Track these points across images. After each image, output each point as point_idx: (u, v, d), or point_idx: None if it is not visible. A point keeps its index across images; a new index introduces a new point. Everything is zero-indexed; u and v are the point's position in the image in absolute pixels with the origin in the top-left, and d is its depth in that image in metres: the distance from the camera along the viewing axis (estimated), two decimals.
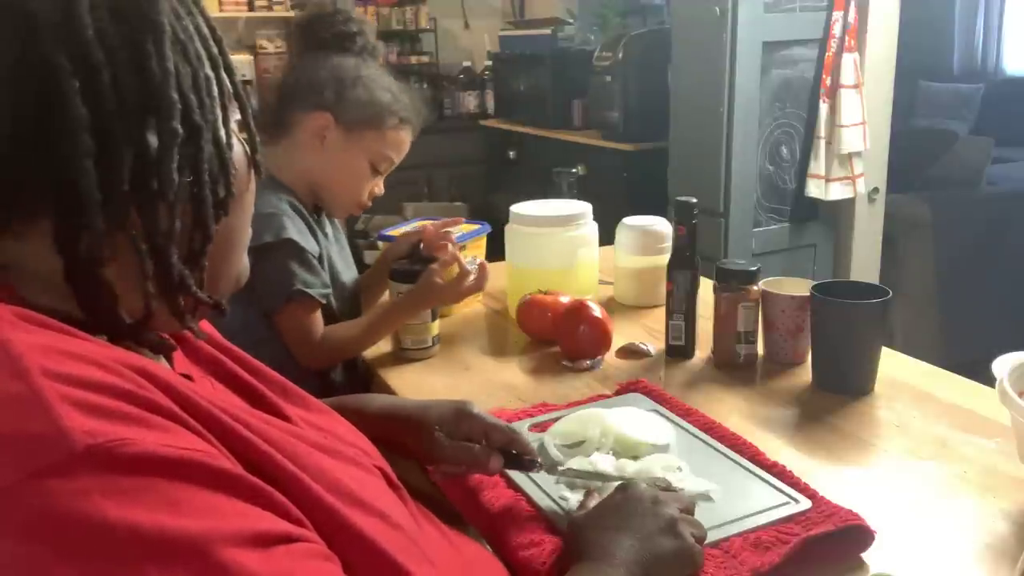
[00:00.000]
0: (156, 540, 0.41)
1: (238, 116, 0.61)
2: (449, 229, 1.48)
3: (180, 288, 0.55)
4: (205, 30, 0.57)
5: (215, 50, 0.57)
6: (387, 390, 1.24)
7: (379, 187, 1.45)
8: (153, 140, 0.52)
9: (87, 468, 0.41)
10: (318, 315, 1.32)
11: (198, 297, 0.57)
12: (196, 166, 0.54)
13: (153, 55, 0.51)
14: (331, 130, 1.35)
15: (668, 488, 0.82)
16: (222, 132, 0.56)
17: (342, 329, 1.34)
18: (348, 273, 1.51)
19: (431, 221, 1.55)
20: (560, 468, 0.88)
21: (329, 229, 1.51)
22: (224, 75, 0.57)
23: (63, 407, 0.42)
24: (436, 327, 1.35)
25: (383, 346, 1.36)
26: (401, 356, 1.34)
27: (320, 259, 1.36)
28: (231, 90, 0.58)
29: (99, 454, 0.42)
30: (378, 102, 1.37)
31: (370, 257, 3.99)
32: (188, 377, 0.60)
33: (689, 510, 0.78)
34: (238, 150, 0.59)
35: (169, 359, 0.63)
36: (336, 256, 1.48)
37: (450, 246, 1.41)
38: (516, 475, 0.91)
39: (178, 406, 0.48)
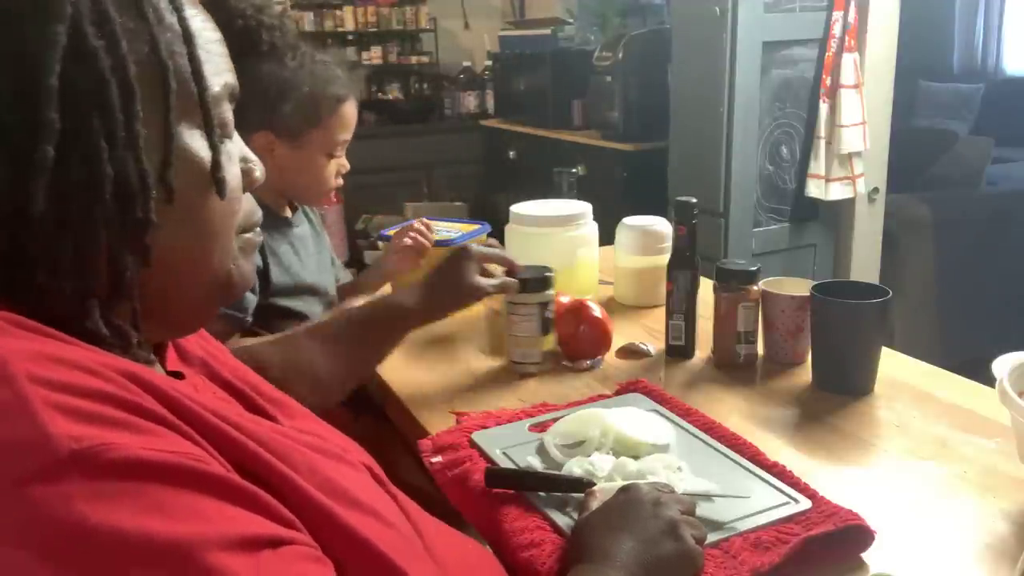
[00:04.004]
0: (140, 544, 0.41)
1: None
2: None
3: (116, 329, 0.53)
4: (167, 36, 0.54)
5: (174, 58, 0.54)
6: (387, 391, 1.23)
7: (344, 165, 1.46)
8: (32, 161, 0.48)
9: (71, 473, 0.41)
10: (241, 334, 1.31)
11: (132, 338, 0.54)
12: (89, 189, 0.50)
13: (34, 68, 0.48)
14: (277, 144, 1.36)
15: (670, 490, 0.82)
16: (139, 152, 0.52)
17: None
18: (322, 277, 1.51)
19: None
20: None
21: (307, 230, 1.51)
22: (175, 82, 0.54)
23: (48, 412, 0.42)
24: (548, 342, 1.26)
25: None
26: (511, 369, 1.27)
27: (265, 270, 1.36)
28: (197, 99, 0.55)
29: (84, 459, 0.41)
30: (308, 101, 1.35)
31: (370, 257, 3.99)
32: (180, 375, 0.59)
33: (690, 511, 0.78)
34: (192, 165, 0.56)
35: (162, 360, 0.63)
36: (308, 260, 1.48)
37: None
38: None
39: (166, 409, 0.47)
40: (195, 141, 0.56)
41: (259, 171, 0.64)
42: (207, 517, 0.44)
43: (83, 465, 0.41)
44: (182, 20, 0.55)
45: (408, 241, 1.51)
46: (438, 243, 1.54)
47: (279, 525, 0.48)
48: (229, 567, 0.43)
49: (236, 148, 0.61)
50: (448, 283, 1.14)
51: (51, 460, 0.41)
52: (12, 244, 0.49)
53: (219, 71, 0.59)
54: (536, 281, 1.23)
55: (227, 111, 0.60)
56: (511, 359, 1.27)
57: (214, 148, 0.57)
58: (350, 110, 1.42)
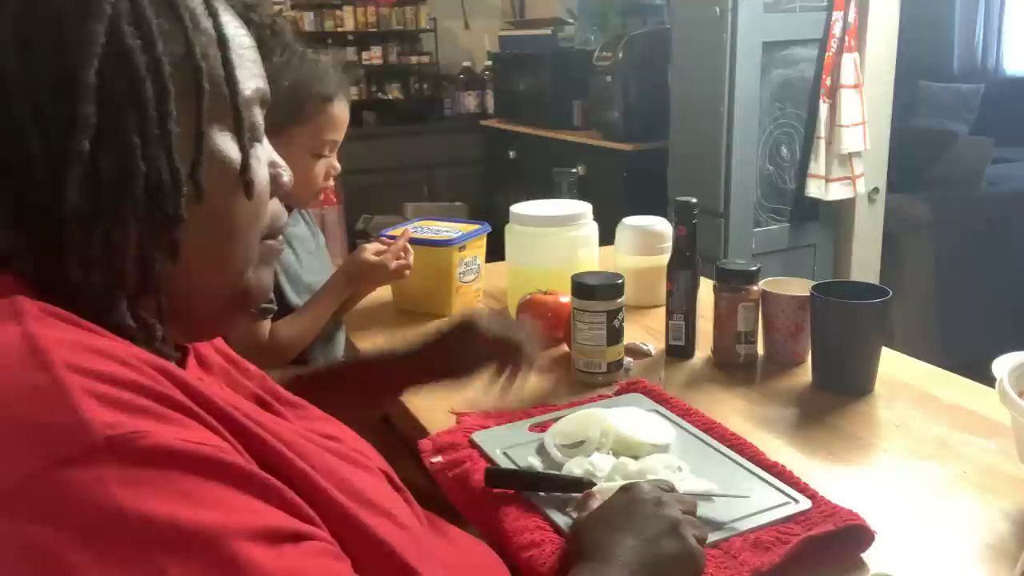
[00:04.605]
0: (168, 530, 0.42)
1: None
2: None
3: (141, 322, 0.54)
4: (202, 39, 0.55)
5: (208, 61, 0.55)
6: None
7: (334, 166, 1.43)
8: (68, 156, 0.50)
9: (106, 458, 0.42)
10: (258, 324, 1.33)
11: (157, 332, 0.55)
12: (122, 184, 0.51)
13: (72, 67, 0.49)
14: None
15: (671, 489, 0.82)
16: (171, 150, 0.53)
17: (287, 324, 1.36)
18: (320, 276, 1.51)
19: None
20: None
21: (304, 230, 1.51)
22: (208, 84, 0.55)
23: (85, 399, 0.43)
24: (616, 352, 1.22)
25: (378, 339, 1.36)
26: (578, 378, 1.23)
27: None
28: (228, 102, 0.56)
29: (118, 445, 0.42)
30: (290, 97, 1.31)
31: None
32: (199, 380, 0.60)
33: (691, 511, 0.78)
34: (222, 166, 0.57)
35: (183, 365, 0.63)
36: (306, 258, 1.48)
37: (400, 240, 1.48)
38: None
39: (195, 403, 0.48)
40: (225, 143, 0.57)
41: (287, 176, 0.65)
42: (232, 507, 0.45)
43: (117, 451, 0.42)
44: (217, 25, 0.56)
45: (393, 265, 1.45)
46: (413, 241, 1.52)
47: (300, 520, 0.49)
48: (252, 557, 0.43)
49: (265, 152, 0.63)
50: (453, 354, 1.07)
51: (87, 445, 0.42)
52: (46, 237, 0.51)
53: (251, 76, 0.60)
54: (604, 288, 1.20)
55: (257, 115, 0.61)
56: (575, 367, 1.24)
57: (243, 150, 0.58)
58: (339, 110, 1.39)
